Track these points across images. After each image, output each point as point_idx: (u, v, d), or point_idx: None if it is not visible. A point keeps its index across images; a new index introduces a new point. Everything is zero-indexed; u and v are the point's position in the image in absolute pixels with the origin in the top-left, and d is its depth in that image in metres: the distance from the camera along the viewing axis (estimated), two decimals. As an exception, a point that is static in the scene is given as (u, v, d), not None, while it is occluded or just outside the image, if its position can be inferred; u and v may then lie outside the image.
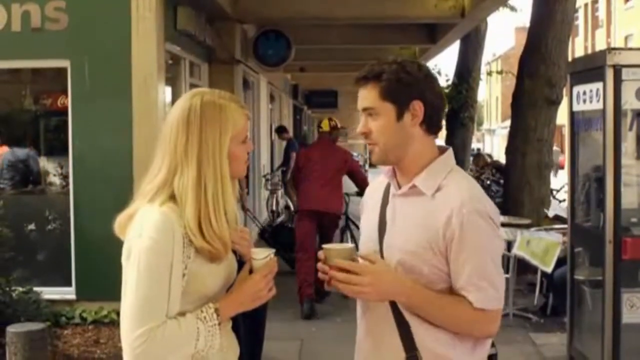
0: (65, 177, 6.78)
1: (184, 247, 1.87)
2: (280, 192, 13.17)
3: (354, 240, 8.51)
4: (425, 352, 2.00)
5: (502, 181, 10.59)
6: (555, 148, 9.67)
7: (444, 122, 2.19)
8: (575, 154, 5.48)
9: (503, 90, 48.88)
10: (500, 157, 13.42)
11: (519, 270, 7.29)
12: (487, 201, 2.04)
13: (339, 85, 23.54)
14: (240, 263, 2.07)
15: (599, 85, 4.76)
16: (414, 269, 2.00)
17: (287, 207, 13.25)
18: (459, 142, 13.93)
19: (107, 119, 6.33)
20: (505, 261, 6.84)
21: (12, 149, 7.28)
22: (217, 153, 1.93)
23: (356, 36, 12.84)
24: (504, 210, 8.40)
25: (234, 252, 2.07)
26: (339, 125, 8.00)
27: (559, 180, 13.17)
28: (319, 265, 2.02)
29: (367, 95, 2.06)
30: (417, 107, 2.03)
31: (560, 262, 6.24)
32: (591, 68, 4.99)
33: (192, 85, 7.98)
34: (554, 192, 11.54)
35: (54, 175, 7.13)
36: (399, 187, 2.11)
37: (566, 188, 6.30)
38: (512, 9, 14.84)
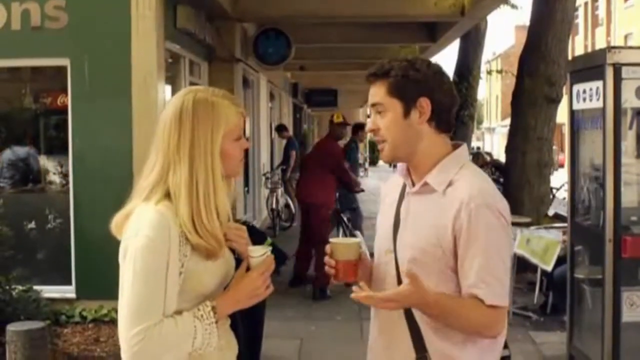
0: (65, 175, 6.77)
1: (180, 245, 1.88)
2: (280, 190, 13.17)
3: (346, 233, 8.84)
4: (435, 354, 2.00)
5: (501, 180, 10.59)
6: (553, 147, 9.69)
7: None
8: (575, 152, 5.47)
9: (503, 89, 48.89)
10: (500, 155, 13.42)
11: (519, 268, 7.29)
12: (498, 196, 2.02)
13: (339, 84, 23.52)
14: (238, 261, 2.07)
15: (599, 83, 4.75)
16: (425, 266, 1.98)
17: (287, 205, 13.28)
18: (458, 140, 13.90)
19: (107, 118, 6.33)
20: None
21: (12, 147, 7.27)
22: (209, 150, 1.94)
23: (356, 35, 12.82)
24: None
25: (233, 250, 2.07)
26: (336, 120, 8.40)
27: (556, 178, 13.17)
28: (326, 259, 2.03)
29: (375, 92, 2.06)
30: (424, 104, 2.02)
31: (560, 260, 6.23)
32: (591, 66, 4.98)
33: (192, 84, 7.97)
34: (554, 191, 11.54)
35: (54, 173, 7.12)
36: (413, 185, 2.11)
37: (566, 187, 6.29)
38: (513, 6, 14.80)
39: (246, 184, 10.95)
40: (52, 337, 5.53)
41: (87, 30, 6.31)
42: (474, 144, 25.71)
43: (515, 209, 8.60)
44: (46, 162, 7.22)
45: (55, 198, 6.92)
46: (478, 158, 14.64)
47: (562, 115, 7.24)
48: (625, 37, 35.81)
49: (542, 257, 6.49)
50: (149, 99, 6.26)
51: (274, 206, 12.84)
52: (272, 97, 16.07)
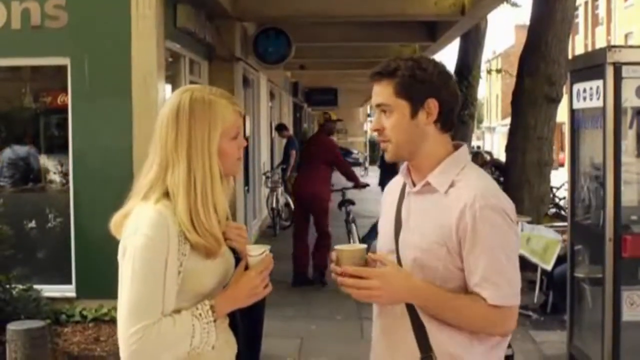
0: (65, 174, 6.77)
1: (179, 244, 1.87)
2: (280, 189, 13.18)
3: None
4: (440, 353, 1.98)
5: (501, 179, 10.59)
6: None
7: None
8: (576, 151, 5.47)
9: (503, 88, 48.87)
10: (500, 155, 13.41)
11: (519, 267, 7.29)
12: (502, 196, 2.00)
13: (339, 83, 23.52)
14: (238, 260, 2.07)
15: (599, 82, 4.75)
16: (428, 266, 1.97)
17: (287, 204, 13.28)
18: (458, 139, 13.89)
19: (107, 117, 6.32)
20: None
21: (12, 146, 7.27)
22: (206, 149, 1.93)
23: (356, 34, 12.82)
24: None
25: (232, 249, 2.07)
26: (326, 117, 9.23)
27: (556, 177, 13.18)
28: (332, 266, 2.00)
29: (381, 92, 2.03)
30: (432, 105, 2.01)
31: (560, 259, 6.24)
32: (591, 66, 4.98)
33: (192, 83, 7.94)
34: (554, 190, 11.55)
35: (54, 173, 7.11)
36: (414, 185, 2.09)
37: (566, 186, 6.29)
38: (514, 4, 14.82)
39: (246, 183, 10.94)
40: (52, 336, 5.53)
41: (87, 29, 6.31)
42: (474, 143, 25.73)
43: (515, 208, 8.62)
44: (46, 162, 7.21)
45: (55, 197, 6.92)
46: (478, 157, 14.64)
47: (562, 114, 7.24)
48: (626, 36, 35.81)
49: (542, 256, 6.50)
50: (149, 99, 6.25)
51: (274, 205, 12.86)
52: (272, 96, 16.07)
